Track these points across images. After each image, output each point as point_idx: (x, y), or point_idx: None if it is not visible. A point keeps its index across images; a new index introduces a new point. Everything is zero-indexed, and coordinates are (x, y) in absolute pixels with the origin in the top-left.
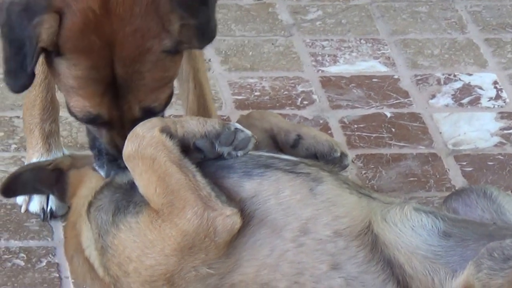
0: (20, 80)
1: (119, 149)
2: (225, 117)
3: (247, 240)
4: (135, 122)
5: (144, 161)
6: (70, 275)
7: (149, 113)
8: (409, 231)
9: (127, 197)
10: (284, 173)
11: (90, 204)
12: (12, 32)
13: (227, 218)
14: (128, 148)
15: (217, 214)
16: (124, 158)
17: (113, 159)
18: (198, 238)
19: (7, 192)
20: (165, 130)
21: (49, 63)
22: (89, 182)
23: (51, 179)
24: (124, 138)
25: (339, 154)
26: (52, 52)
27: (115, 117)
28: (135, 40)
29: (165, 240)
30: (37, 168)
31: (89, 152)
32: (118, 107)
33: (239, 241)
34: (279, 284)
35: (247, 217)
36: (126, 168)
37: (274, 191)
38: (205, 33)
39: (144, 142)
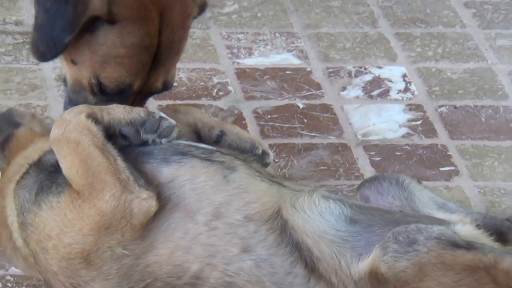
0: (52, 50)
1: None
2: None
3: (162, 223)
4: (148, 96)
5: (68, 144)
6: None
7: (165, 88)
8: (317, 217)
9: (51, 178)
10: (200, 160)
11: (17, 182)
12: (53, 3)
13: (143, 201)
14: (55, 131)
15: (134, 197)
16: (50, 141)
17: None
18: (115, 219)
19: None
20: (91, 116)
21: (89, 32)
22: (26, 150)
23: (9, 123)
24: None
25: (260, 151)
26: (101, 21)
27: (138, 88)
28: (181, 6)
29: (83, 219)
30: (11, 110)
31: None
32: (148, 78)
33: (155, 224)
34: (192, 266)
35: (164, 201)
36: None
37: (190, 177)
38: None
39: (70, 126)
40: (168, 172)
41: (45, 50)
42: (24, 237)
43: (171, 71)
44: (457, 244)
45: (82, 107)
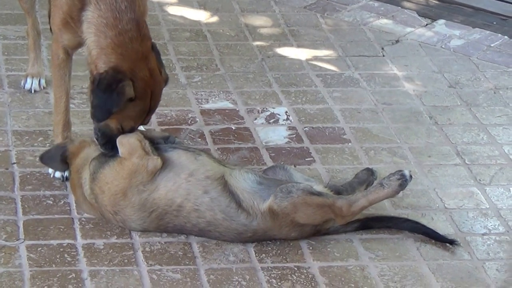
0: (105, 116)
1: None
2: None
3: (162, 177)
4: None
5: (125, 141)
6: (74, 201)
7: (147, 123)
8: (242, 180)
9: (108, 158)
10: (182, 150)
11: (91, 161)
12: (104, 92)
13: (154, 160)
14: (121, 138)
15: (150, 157)
16: (118, 142)
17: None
18: (139, 167)
19: (42, 159)
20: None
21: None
22: (87, 149)
23: (62, 152)
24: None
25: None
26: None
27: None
28: (160, 86)
29: (124, 169)
30: (56, 147)
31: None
32: (142, 122)
33: (159, 177)
34: (177, 200)
35: (164, 167)
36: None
37: (177, 157)
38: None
39: (128, 136)
40: (167, 154)
41: (101, 117)
42: (91, 187)
43: (151, 115)
44: (313, 193)
45: (133, 133)
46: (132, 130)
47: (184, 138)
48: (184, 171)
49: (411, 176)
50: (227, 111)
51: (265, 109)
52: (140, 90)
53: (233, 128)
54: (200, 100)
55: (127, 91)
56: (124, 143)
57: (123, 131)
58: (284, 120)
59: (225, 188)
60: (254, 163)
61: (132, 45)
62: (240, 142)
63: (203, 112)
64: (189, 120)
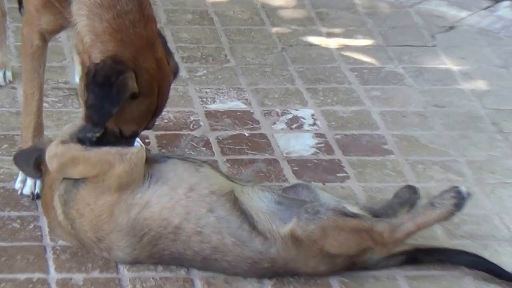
0: (103, 119)
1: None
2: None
3: (155, 191)
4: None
5: (66, 163)
6: (47, 223)
7: (152, 127)
8: (256, 198)
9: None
10: (179, 160)
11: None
12: (101, 88)
13: (137, 153)
14: (54, 165)
15: (130, 154)
16: (54, 172)
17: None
18: (128, 174)
19: (16, 159)
20: (62, 143)
21: None
22: None
23: (36, 149)
24: (132, 140)
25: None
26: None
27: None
28: (168, 80)
29: (111, 187)
30: (33, 147)
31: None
32: (146, 125)
33: (151, 190)
34: (174, 220)
35: (156, 179)
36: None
37: (173, 168)
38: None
39: (59, 155)
40: (159, 165)
41: (98, 120)
42: (64, 211)
43: (157, 118)
44: (346, 214)
45: (53, 143)
46: (135, 135)
47: (185, 147)
48: (183, 185)
49: (469, 194)
50: (238, 113)
51: (286, 111)
52: (144, 85)
53: (246, 134)
54: (205, 99)
55: (129, 85)
56: (88, 164)
57: (122, 137)
58: (310, 125)
59: (235, 206)
60: (272, 179)
61: (134, 30)
62: (255, 153)
63: (209, 114)
64: (191, 124)
